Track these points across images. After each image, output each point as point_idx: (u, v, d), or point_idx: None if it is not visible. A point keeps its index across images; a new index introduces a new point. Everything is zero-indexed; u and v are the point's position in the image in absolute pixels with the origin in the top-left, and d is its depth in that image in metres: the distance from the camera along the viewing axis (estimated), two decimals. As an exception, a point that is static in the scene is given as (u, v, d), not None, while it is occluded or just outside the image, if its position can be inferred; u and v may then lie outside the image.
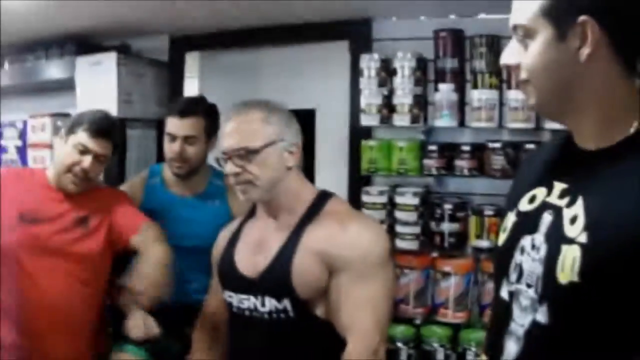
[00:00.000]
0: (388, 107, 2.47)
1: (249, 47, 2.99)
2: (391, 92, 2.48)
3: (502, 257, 1.22)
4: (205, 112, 2.33)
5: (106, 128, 2.20)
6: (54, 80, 3.11)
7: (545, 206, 1.15)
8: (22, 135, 3.32)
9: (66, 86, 3.05)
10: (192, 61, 3.10)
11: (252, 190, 1.66)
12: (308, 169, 2.72)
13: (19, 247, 2.13)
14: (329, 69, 2.78)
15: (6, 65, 3.32)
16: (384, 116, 2.47)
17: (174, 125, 2.28)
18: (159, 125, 2.90)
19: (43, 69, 3.13)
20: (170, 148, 2.30)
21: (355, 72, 2.59)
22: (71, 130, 2.20)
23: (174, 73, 3.00)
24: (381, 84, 2.48)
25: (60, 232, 2.19)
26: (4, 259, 2.15)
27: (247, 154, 1.62)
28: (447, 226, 2.42)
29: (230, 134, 1.66)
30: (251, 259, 1.70)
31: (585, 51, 1.01)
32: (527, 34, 1.06)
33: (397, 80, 2.46)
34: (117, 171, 2.79)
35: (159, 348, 2.34)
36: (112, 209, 2.25)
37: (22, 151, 3.34)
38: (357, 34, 2.65)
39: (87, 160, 2.16)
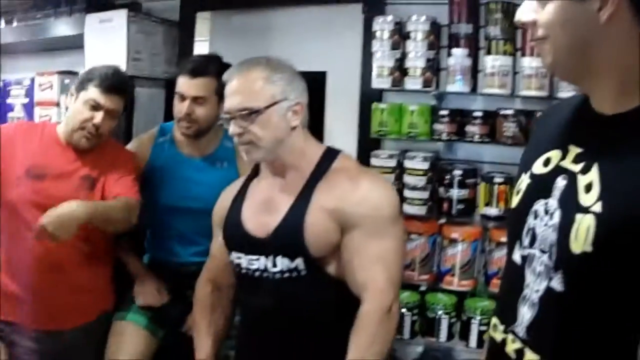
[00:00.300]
0: (400, 70, 2.44)
1: (261, 9, 2.95)
2: (403, 56, 2.44)
3: (515, 220, 1.20)
4: (217, 72, 2.25)
5: (117, 83, 2.20)
6: (62, 38, 3.09)
7: (559, 170, 1.12)
8: (29, 93, 3.31)
9: (74, 44, 3.03)
10: (202, 21, 3.06)
11: (255, 151, 1.63)
12: (318, 131, 2.70)
13: (23, 201, 2.12)
14: (341, 32, 2.73)
15: (14, 23, 3.28)
16: (395, 79, 2.43)
17: (184, 84, 2.25)
18: (168, 85, 2.89)
19: (51, 26, 3.12)
20: (179, 108, 2.26)
21: (368, 35, 2.55)
22: (82, 87, 2.19)
23: (184, 33, 2.96)
24: (394, 47, 2.44)
25: (65, 190, 2.16)
26: (9, 212, 2.14)
27: (250, 114, 1.60)
28: (455, 192, 2.38)
29: (232, 94, 1.63)
30: (259, 219, 1.68)
31: (606, 13, 0.97)
32: None
33: (410, 44, 2.42)
34: (124, 129, 2.76)
35: (160, 311, 2.35)
36: (112, 171, 2.23)
37: (28, 109, 3.32)
38: (370, -3, 2.62)
39: (98, 116, 2.16)
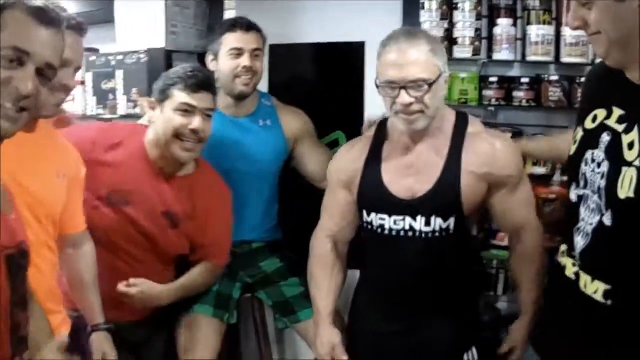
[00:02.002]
0: (449, 40, 2.55)
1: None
2: (451, 26, 2.55)
3: (572, 165, 1.48)
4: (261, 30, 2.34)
5: (204, 79, 2.06)
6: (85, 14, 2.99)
7: (604, 127, 1.39)
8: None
9: (95, 20, 2.95)
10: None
11: (421, 120, 1.73)
12: (359, 102, 2.79)
13: (101, 225, 2.01)
14: (379, 2, 2.79)
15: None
16: (445, 48, 2.54)
17: (241, 39, 2.28)
18: (199, 58, 2.89)
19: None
20: (237, 63, 2.28)
21: (410, 4, 2.63)
22: (164, 95, 2.04)
23: (214, 6, 2.97)
24: (442, 17, 2.54)
25: (148, 224, 2.08)
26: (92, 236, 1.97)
27: (424, 85, 1.67)
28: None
29: (402, 65, 1.69)
30: (405, 182, 1.79)
31: None
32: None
33: (459, 15, 2.53)
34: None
35: (222, 295, 2.38)
36: (203, 212, 2.13)
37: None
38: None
39: (195, 120, 2.01)
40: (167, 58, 2.73)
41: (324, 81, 2.86)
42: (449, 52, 2.54)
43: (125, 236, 2.05)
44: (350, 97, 2.80)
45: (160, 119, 2.05)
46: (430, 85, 1.69)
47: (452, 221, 1.76)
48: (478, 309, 2.01)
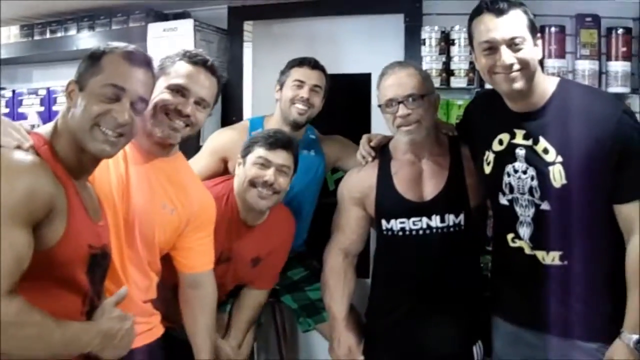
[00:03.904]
0: (446, 71, 2.89)
1: (303, 18, 3.29)
2: (449, 60, 2.90)
3: (493, 180, 1.96)
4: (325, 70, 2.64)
5: (283, 139, 2.29)
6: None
7: (514, 145, 1.89)
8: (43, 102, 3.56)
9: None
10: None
11: (418, 130, 2.06)
12: (365, 129, 3.04)
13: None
14: (383, 38, 3.11)
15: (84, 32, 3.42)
16: (443, 79, 2.89)
17: (304, 74, 2.61)
18: (222, 89, 3.18)
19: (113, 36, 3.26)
20: (296, 93, 2.59)
21: (410, 41, 2.98)
22: (247, 151, 2.30)
23: (234, 40, 3.29)
24: (441, 52, 2.89)
25: (239, 272, 2.37)
26: None
27: (418, 98, 2.02)
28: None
29: (398, 84, 2.06)
30: (416, 188, 2.11)
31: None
32: None
33: (455, 49, 2.88)
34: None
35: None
36: (276, 250, 2.42)
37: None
38: (410, 9, 3.03)
39: (269, 173, 2.22)
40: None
41: (334, 108, 3.14)
42: (447, 82, 2.90)
43: (220, 286, 2.21)
44: (358, 123, 3.11)
45: (242, 171, 2.31)
46: (422, 97, 2.04)
47: (462, 216, 2.08)
48: (483, 304, 2.22)
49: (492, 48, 1.80)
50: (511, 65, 1.78)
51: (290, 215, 2.54)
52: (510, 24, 1.79)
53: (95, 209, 1.58)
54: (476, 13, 1.86)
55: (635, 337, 1.75)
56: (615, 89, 2.73)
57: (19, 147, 1.37)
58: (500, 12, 1.79)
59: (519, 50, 1.78)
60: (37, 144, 1.43)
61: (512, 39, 1.77)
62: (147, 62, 1.59)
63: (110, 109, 1.49)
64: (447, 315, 2.13)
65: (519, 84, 1.80)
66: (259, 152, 2.26)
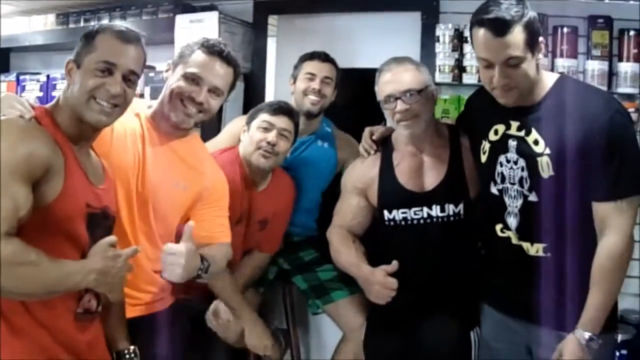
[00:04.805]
0: (459, 68, 2.98)
1: (324, 13, 3.41)
2: (461, 57, 2.99)
3: (487, 169, 2.02)
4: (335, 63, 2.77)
5: (284, 105, 2.52)
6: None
7: (507, 136, 1.95)
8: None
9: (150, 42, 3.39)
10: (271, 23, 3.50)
11: (417, 123, 2.14)
12: (380, 122, 3.16)
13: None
14: (400, 35, 3.20)
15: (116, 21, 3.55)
16: (455, 75, 2.98)
17: (315, 67, 2.75)
18: (245, 80, 3.34)
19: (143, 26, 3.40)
20: (310, 84, 2.72)
21: (426, 38, 3.08)
22: (252, 118, 2.50)
23: (259, 33, 3.42)
24: (454, 49, 2.98)
25: (248, 232, 2.52)
26: None
27: (416, 93, 2.11)
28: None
29: (396, 81, 2.13)
30: (417, 180, 2.20)
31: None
32: None
33: (468, 47, 2.95)
34: (216, 118, 3.17)
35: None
36: (281, 212, 2.62)
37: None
38: (427, 7, 3.13)
39: (271, 134, 2.43)
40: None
41: (350, 102, 3.25)
42: (459, 78, 2.98)
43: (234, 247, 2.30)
44: (373, 117, 3.19)
45: (246, 137, 2.50)
46: (419, 92, 2.11)
47: (461, 206, 2.17)
48: (480, 292, 2.26)
49: (488, 65, 1.84)
50: (506, 84, 1.84)
51: (291, 182, 2.71)
52: (508, 46, 1.77)
53: (96, 174, 1.72)
54: (477, 23, 1.83)
55: (587, 334, 1.81)
56: (625, 89, 2.79)
57: (21, 117, 1.53)
58: (499, 33, 1.76)
59: (515, 68, 1.81)
60: (39, 115, 1.58)
61: (509, 59, 1.79)
62: (137, 39, 1.72)
63: (104, 82, 1.64)
64: (447, 302, 2.21)
65: (512, 99, 1.88)
66: (263, 116, 2.46)
